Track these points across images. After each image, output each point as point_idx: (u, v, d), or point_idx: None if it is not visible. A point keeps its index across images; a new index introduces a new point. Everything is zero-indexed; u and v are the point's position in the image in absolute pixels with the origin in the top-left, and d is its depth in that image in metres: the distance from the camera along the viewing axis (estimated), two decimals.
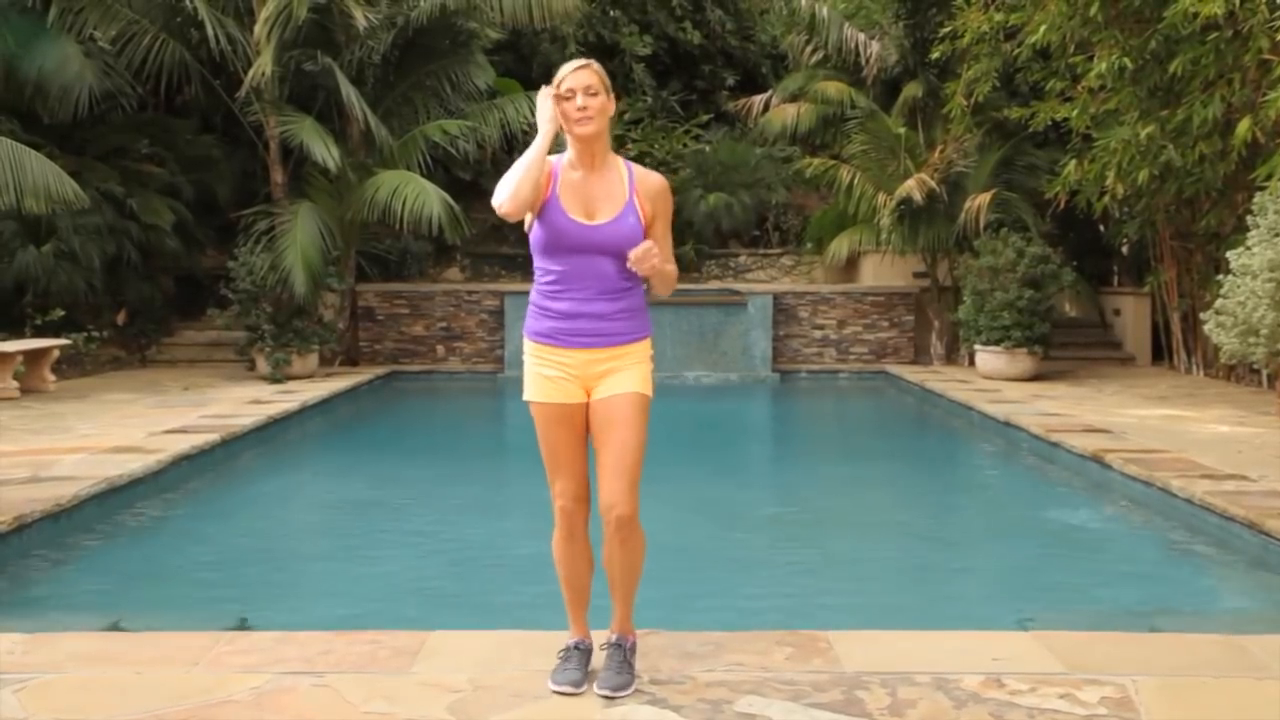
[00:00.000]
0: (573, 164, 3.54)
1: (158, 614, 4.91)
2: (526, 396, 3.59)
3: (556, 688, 3.50)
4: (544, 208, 3.49)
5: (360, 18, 12.95)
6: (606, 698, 3.46)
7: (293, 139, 13.11)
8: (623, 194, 3.52)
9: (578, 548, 3.62)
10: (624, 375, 3.52)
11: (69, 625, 4.44)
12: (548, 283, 3.52)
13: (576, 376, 3.51)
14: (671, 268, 3.56)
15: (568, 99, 3.43)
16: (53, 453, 7.66)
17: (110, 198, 13.46)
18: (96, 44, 13.32)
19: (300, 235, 12.75)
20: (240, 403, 10.60)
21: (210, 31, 12.76)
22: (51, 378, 11.53)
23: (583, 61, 3.52)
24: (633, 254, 3.40)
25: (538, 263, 3.56)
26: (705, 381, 14.55)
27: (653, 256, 3.40)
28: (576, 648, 3.64)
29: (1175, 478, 6.84)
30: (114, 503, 6.71)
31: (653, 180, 3.60)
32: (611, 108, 3.51)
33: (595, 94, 3.44)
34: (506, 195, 3.38)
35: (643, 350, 3.58)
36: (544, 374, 3.54)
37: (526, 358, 3.60)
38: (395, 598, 5.36)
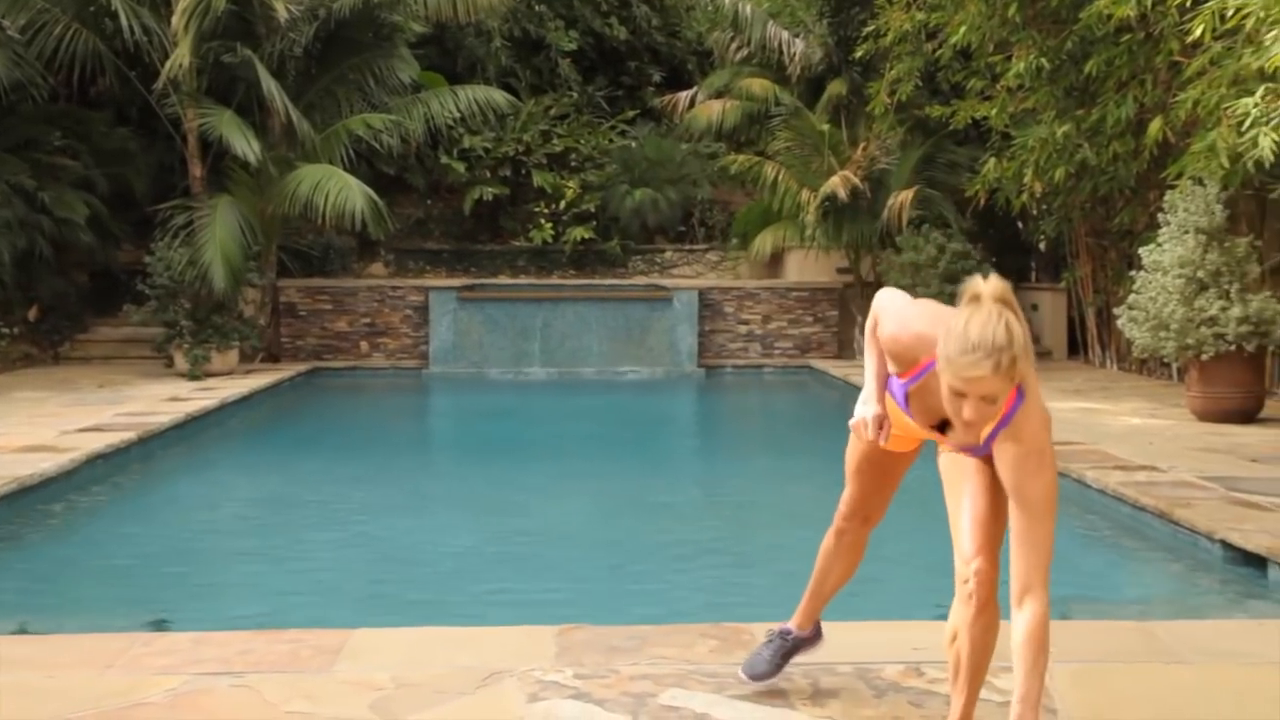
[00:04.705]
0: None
1: (72, 616, 4.80)
2: None
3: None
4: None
5: (281, 9, 12.77)
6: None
7: (212, 132, 12.86)
8: None
9: None
10: None
11: None
12: None
13: None
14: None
15: (960, 396, 2.53)
16: None
17: (21, 191, 13.11)
18: (5, 33, 12.95)
19: (219, 230, 12.53)
20: (158, 400, 10.39)
21: (125, 22, 12.48)
22: None
23: (991, 357, 2.43)
24: None
25: None
26: (632, 377, 14.56)
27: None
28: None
29: (1089, 469, 7.01)
30: (25, 503, 6.54)
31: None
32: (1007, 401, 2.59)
33: (992, 401, 2.52)
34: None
35: None
36: None
37: None
38: (317, 596, 5.29)
